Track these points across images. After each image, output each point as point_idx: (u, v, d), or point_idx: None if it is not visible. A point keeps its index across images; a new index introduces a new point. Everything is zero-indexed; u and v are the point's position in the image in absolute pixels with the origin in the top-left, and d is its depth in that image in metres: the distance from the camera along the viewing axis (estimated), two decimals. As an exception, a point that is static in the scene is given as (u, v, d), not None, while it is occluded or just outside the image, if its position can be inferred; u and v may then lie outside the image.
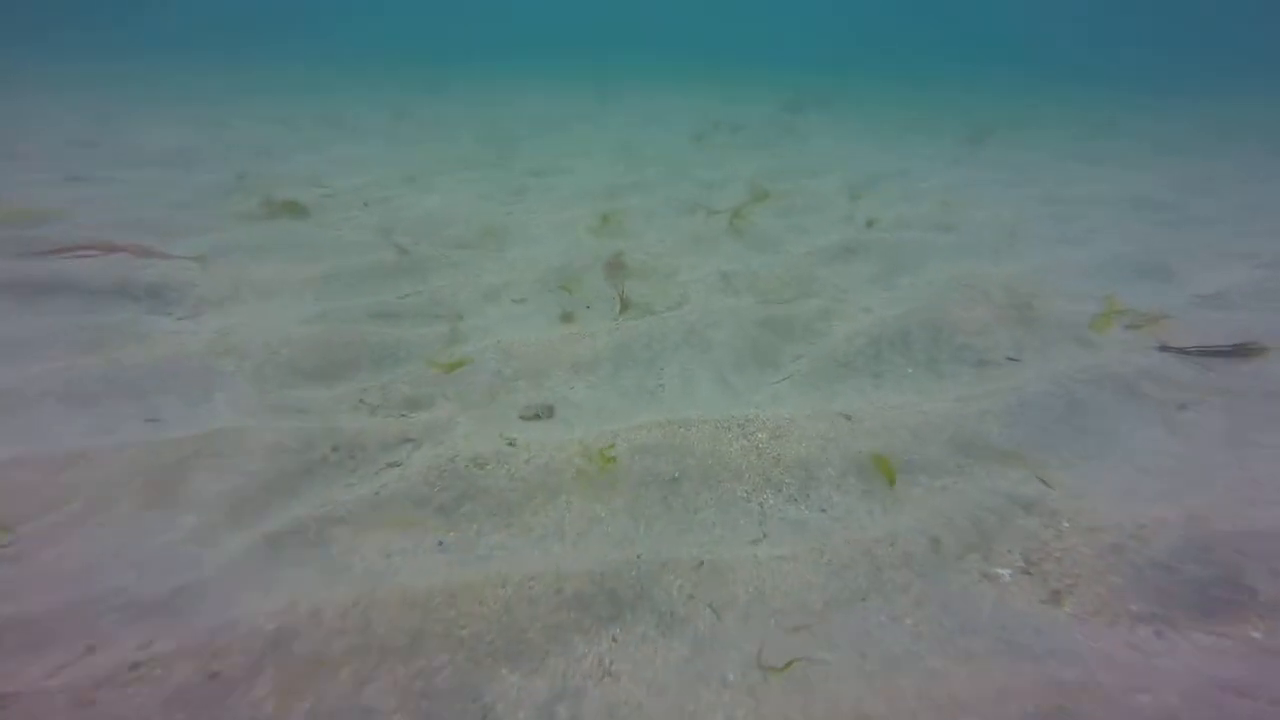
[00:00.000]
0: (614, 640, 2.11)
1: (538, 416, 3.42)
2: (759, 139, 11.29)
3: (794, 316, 4.39)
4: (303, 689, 1.87)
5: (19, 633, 1.96)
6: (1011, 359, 3.73)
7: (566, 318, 4.37)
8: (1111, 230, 5.79)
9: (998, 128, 11.88)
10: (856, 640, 2.11)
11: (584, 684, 1.95)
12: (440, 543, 2.61)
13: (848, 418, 3.31)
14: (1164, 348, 3.75)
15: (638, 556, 2.45)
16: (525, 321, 4.33)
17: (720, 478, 3.01)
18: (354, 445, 3.06)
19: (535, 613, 2.16)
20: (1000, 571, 2.43)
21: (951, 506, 2.73)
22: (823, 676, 1.96)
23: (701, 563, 2.44)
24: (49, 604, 2.07)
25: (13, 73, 15.75)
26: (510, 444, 3.10)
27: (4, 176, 6.84)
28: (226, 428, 2.96)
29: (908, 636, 2.13)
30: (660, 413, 3.40)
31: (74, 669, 1.84)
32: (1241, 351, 3.64)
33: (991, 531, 2.59)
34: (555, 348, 3.90)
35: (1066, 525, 2.56)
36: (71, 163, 7.58)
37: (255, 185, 6.48)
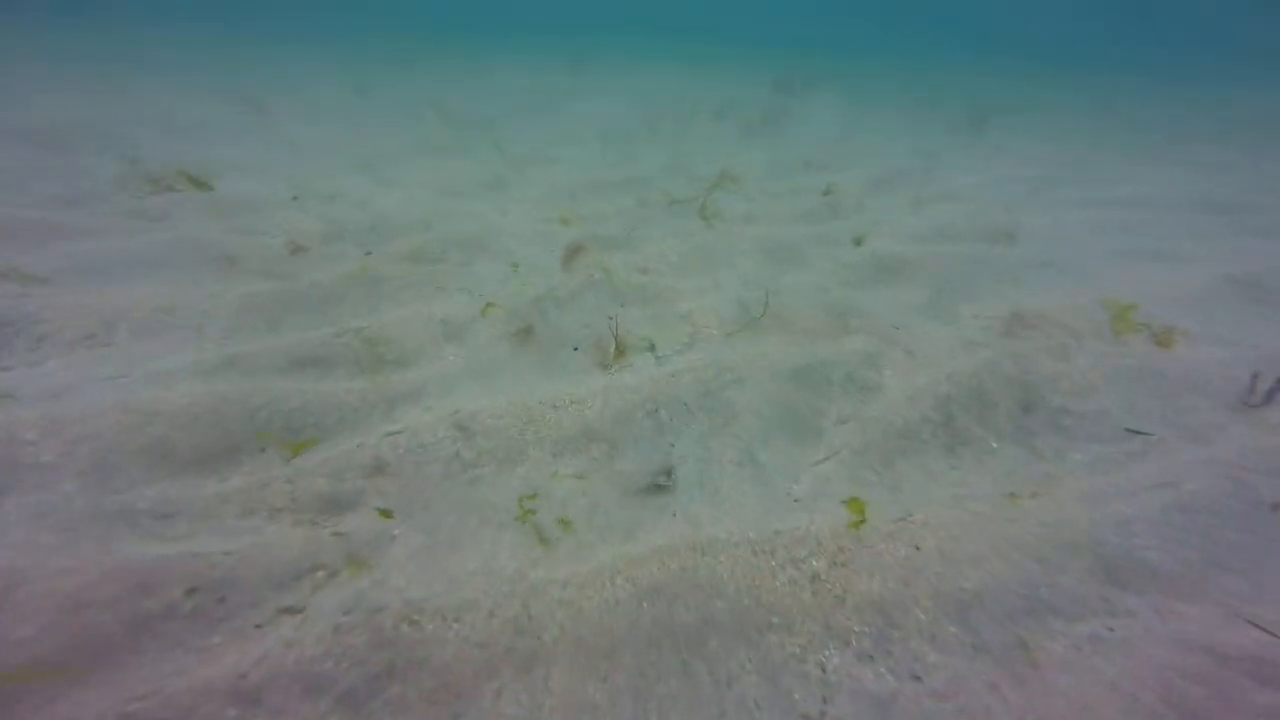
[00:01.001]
0: None
1: (506, 529, 2.48)
2: (755, 123, 10.28)
3: (833, 363, 3.47)
4: None
5: None
6: (1135, 431, 2.86)
7: (548, 367, 3.41)
8: (1195, 241, 4.95)
9: (1003, 112, 11.00)
10: None
11: None
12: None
13: (927, 527, 2.41)
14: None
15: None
16: (496, 373, 3.35)
17: (762, 629, 2.12)
18: (227, 582, 2.10)
19: None
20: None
21: (1118, 673, 1.87)
22: None
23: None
24: None
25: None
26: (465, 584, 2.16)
27: None
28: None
29: None
30: (673, 526, 2.48)
31: None
32: None
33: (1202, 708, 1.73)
34: (533, 418, 2.94)
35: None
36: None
37: (157, 174, 5.32)
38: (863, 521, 2.45)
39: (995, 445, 2.96)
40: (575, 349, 3.64)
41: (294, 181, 5.91)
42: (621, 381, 3.22)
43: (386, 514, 2.48)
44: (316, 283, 3.89)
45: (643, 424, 3.01)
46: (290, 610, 2.10)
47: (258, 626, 2.04)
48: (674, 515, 2.57)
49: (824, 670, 2.02)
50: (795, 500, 2.73)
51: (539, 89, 13.19)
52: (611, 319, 3.82)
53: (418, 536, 2.41)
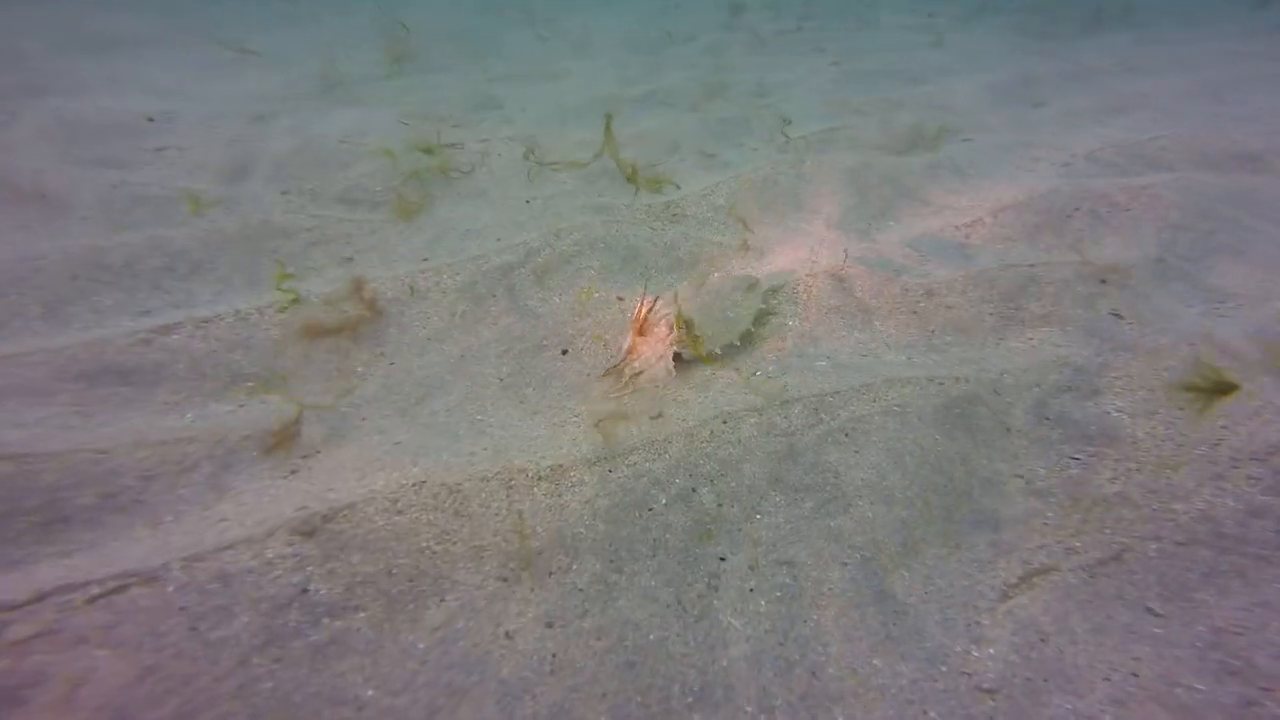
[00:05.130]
0: None
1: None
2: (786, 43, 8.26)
3: (1014, 387, 2.01)
4: None
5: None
6: None
7: (524, 403, 2.05)
8: None
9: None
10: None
11: None
12: None
13: None
14: None
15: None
16: (450, 422, 2.00)
17: None
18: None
19: None
20: None
21: None
22: None
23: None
24: None
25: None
26: None
27: None
28: None
29: None
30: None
31: None
32: None
33: None
34: (465, 509, 1.61)
35: None
36: None
37: None
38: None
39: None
40: (564, 352, 2.26)
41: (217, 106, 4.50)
42: (635, 429, 1.85)
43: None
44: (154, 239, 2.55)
45: (667, 517, 1.65)
46: None
47: None
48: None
49: None
50: (984, 691, 1.39)
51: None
52: (621, 300, 2.39)
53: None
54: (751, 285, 2.36)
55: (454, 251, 2.64)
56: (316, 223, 2.84)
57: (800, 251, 2.67)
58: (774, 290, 2.40)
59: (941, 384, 1.96)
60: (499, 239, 2.80)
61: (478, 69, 6.38)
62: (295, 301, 2.17)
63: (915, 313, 2.33)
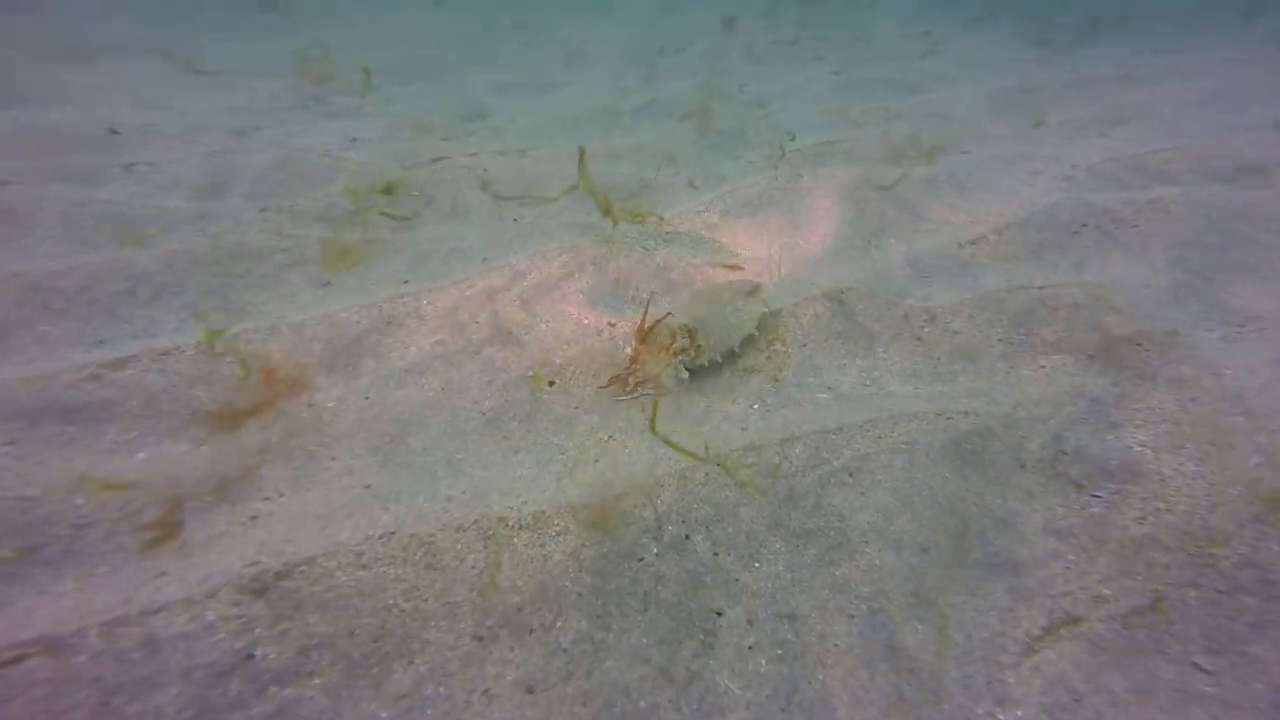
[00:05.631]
0: None
1: None
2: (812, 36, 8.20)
3: (1023, 420, 1.89)
4: None
5: None
6: None
7: (507, 439, 1.92)
8: None
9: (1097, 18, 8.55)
10: None
11: None
12: None
13: None
14: None
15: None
16: (428, 462, 1.88)
17: None
18: None
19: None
20: None
21: None
22: None
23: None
24: None
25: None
26: None
27: None
28: None
29: None
30: None
31: None
32: None
33: None
34: (439, 561, 1.48)
35: None
36: None
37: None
38: None
39: None
40: (551, 383, 2.13)
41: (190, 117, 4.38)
42: (620, 456, 1.72)
43: None
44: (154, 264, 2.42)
45: (659, 568, 1.52)
46: None
47: None
48: None
49: None
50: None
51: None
52: (613, 326, 2.27)
53: None
54: (753, 290, 2.29)
55: (436, 274, 2.52)
56: (293, 243, 2.72)
57: (798, 272, 2.55)
58: (773, 315, 2.28)
59: (950, 418, 1.84)
60: (485, 259, 2.68)
61: (471, 79, 6.29)
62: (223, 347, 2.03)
63: (920, 339, 2.21)
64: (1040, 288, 2.21)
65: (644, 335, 2.01)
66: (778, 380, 2.11)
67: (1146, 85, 5.06)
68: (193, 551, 1.48)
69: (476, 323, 2.24)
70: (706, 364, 2.08)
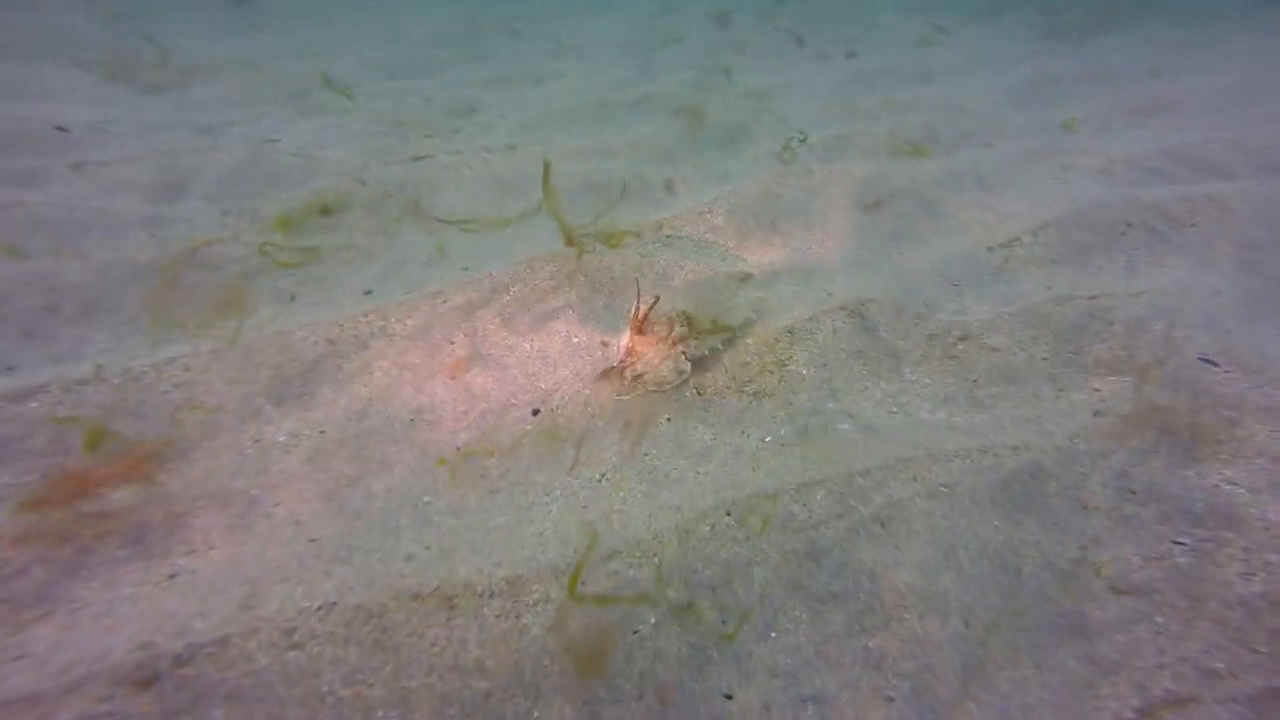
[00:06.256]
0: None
1: None
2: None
3: (1043, 470, 1.63)
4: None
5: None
6: None
7: (484, 478, 1.65)
8: None
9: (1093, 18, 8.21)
10: None
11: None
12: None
13: None
14: None
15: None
16: (388, 508, 1.62)
17: None
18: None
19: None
20: None
21: None
22: None
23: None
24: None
25: None
26: None
27: None
28: None
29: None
30: None
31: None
32: None
33: None
34: (390, 640, 1.22)
35: None
36: None
37: None
38: None
39: None
40: (535, 412, 1.87)
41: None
42: (612, 502, 1.46)
43: None
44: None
45: (657, 642, 1.26)
46: None
47: None
48: None
49: None
50: None
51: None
52: (606, 345, 2.00)
53: None
54: (745, 277, 2.18)
55: (410, 285, 2.25)
56: (252, 251, 2.45)
57: (812, 280, 2.28)
58: (787, 331, 2.02)
59: (997, 455, 1.57)
60: (466, 268, 2.41)
61: (461, 72, 6.01)
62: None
63: (952, 358, 1.95)
64: (1091, 298, 1.95)
65: (639, 325, 1.84)
66: (791, 407, 1.85)
67: (1174, 75, 4.79)
68: (80, 623, 1.22)
69: (452, 343, 1.97)
70: (708, 352, 1.89)
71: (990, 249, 2.45)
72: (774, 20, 8.20)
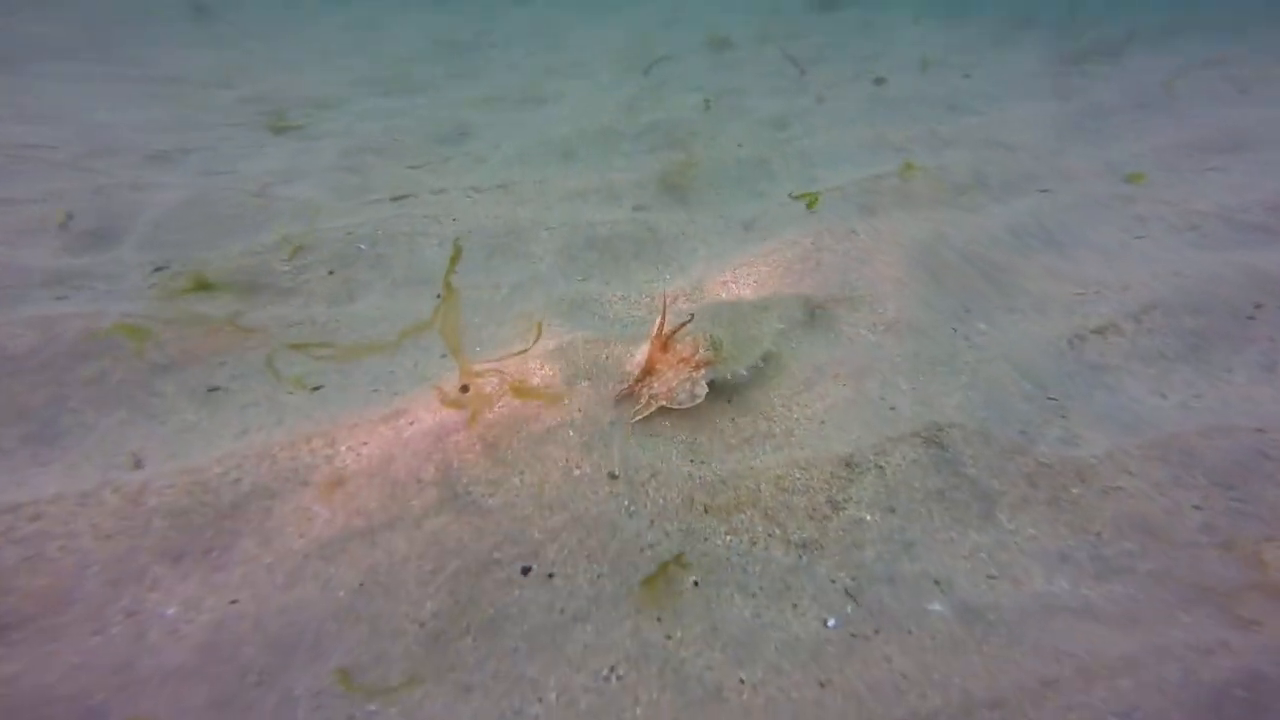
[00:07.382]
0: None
1: None
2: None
3: (1262, 678, 1.17)
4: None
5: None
6: None
7: (453, 671, 1.20)
8: None
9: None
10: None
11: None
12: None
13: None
14: None
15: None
16: None
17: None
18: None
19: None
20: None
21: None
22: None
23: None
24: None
25: None
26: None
27: None
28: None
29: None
30: None
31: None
32: None
33: None
34: None
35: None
36: None
37: None
38: None
39: None
40: (526, 571, 1.41)
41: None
42: (627, 714, 1.01)
43: None
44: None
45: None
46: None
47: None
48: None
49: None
50: None
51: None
52: (615, 479, 1.55)
53: None
54: (767, 307, 2.12)
55: (366, 395, 1.79)
56: (176, 331, 1.98)
57: (865, 382, 1.84)
58: (844, 463, 1.57)
59: (1181, 660, 1.13)
60: (442, 355, 1.95)
61: (452, 91, 5.56)
62: None
63: (1065, 503, 1.50)
64: (1259, 430, 1.51)
65: (664, 343, 1.78)
66: (858, 569, 1.40)
67: (1234, 103, 4.37)
68: None
69: (419, 480, 1.51)
70: (730, 377, 1.83)
71: (1079, 339, 2.02)
72: (791, 43, 7.78)
